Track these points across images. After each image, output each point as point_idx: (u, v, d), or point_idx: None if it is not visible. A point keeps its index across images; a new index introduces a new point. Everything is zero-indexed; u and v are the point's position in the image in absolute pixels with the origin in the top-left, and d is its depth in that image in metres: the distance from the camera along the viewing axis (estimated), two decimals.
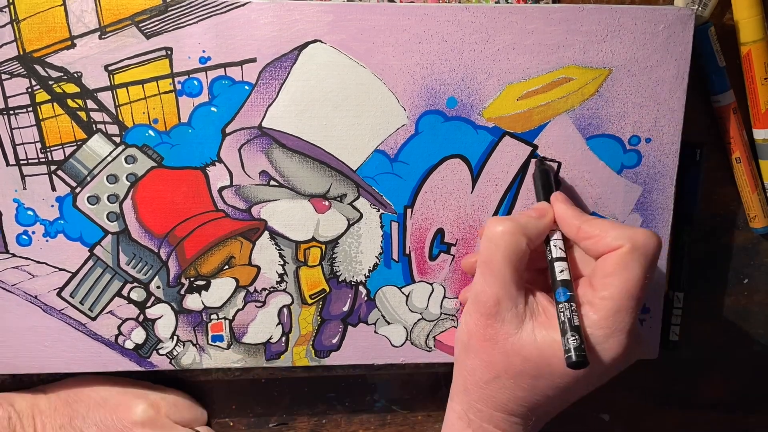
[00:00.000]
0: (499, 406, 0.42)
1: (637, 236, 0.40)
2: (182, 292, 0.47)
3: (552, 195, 0.44)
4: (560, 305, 0.39)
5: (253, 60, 0.44)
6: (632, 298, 0.39)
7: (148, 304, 0.47)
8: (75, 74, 0.43)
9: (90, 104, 0.44)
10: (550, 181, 0.45)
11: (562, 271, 0.41)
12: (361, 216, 0.47)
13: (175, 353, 0.48)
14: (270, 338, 0.49)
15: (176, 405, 0.50)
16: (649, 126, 0.46)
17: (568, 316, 0.38)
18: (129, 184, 0.45)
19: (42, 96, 0.43)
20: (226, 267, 0.47)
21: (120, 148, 0.44)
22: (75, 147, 0.44)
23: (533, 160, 0.46)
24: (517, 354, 0.40)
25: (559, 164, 0.47)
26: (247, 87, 0.44)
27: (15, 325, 0.47)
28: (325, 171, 0.46)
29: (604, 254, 0.40)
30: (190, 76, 0.44)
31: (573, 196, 0.47)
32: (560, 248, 0.42)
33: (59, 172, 0.45)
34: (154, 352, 0.48)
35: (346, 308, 0.48)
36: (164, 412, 0.49)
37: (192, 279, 0.47)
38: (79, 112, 0.44)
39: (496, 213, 0.47)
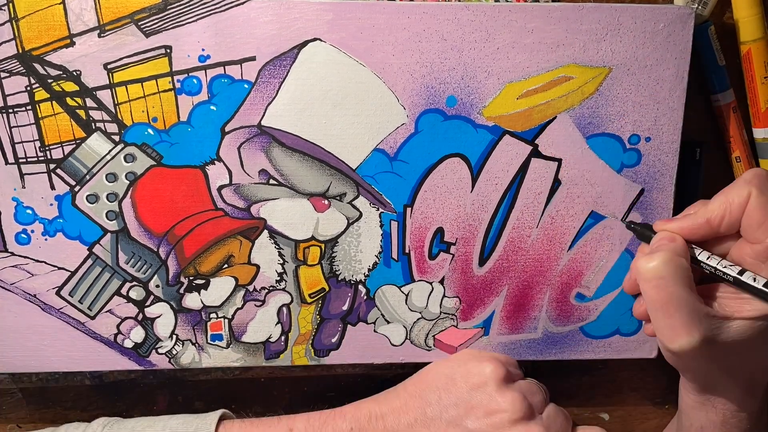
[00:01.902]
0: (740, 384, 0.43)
1: (751, 178, 0.40)
2: (181, 290, 0.47)
3: (654, 225, 0.44)
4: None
5: (253, 58, 0.44)
6: None
7: (147, 303, 0.47)
8: (74, 72, 0.43)
9: (89, 103, 0.44)
10: (644, 226, 0.45)
11: (755, 279, 0.40)
12: (361, 215, 0.47)
13: (174, 352, 0.48)
14: (269, 337, 0.48)
15: (507, 359, 0.48)
16: (649, 125, 0.46)
17: None
18: (128, 182, 0.45)
19: (41, 94, 0.43)
20: (226, 266, 0.47)
21: (119, 147, 0.44)
22: (74, 145, 0.44)
23: (625, 224, 0.47)
24: (744, 345, 0.40)
25: (560, 163, 0.47)
26: (246, 85, 0.44)
27: (14, 323, 0.47)
28: (324, 170, 0.46)
29: (741, 217, 0.40)
30: (190, 74, 0.44)
31: (573, 195, 0.47)
32: (729, 264, 0.42)
33: (58, 171, 0.45)
34: (153, 351, 0.48)
35: (345, 307, 0.48)
36: (507, 367, 0.46)
37: (191, 278, 0.47)
38: (78, 111, 0.44)
39: (495, 212, 0.47)
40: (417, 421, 0.45)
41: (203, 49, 0.43)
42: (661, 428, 0.56)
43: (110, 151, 0.44)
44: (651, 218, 0.48)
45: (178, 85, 0.44)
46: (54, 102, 0.44)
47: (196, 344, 0.48)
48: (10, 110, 0.44)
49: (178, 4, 0.43)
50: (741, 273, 0.41)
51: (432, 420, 0.45)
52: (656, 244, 0.42)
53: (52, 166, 0.44)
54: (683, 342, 0.40)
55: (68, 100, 0.44)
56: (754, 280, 0.40)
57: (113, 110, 0.44)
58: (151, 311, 0.47)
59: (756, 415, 0.44)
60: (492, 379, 0.45)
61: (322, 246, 0.47)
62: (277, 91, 0.44)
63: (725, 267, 0.42)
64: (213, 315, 0.48)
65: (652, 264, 0.40)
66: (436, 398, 0.45)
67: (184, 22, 0.43)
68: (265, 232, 0.46)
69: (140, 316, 0.47)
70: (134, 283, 0.47)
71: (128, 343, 0.48)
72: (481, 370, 0.45)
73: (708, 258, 0.42)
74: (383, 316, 0.49)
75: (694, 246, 0.43)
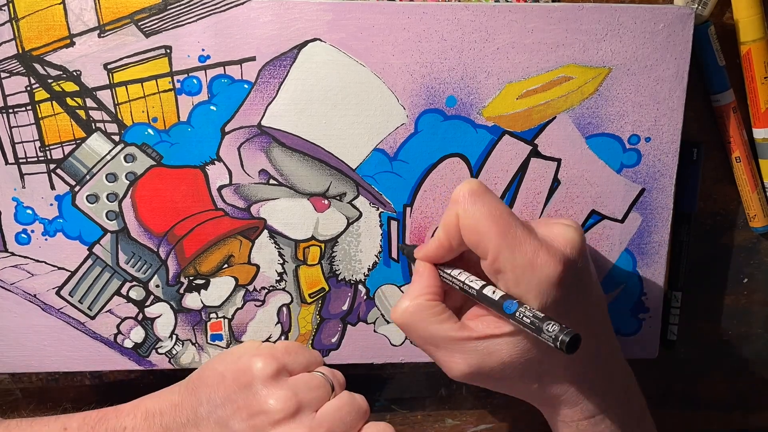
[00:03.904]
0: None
1: (456, 197, 0.40)
2: (181, 290, 0.47)
3: (414, 252, 0.44)
4: (518, 312, 0.38)
5: (253, 58, 0.44)
6: (497, 223, 0.39)
7: (147, 302, 0.47)
8: (74, 73, 0.43)
9: (89, 103, 0.44)
10: (407, 252, 0.47)
11: (494, 291, 0.40)
12: (361, 215, 0.47)
13: (174, 352, 0.48)
14: (269, 337, 0.48)
15: (289, 351, 0.45)
16: (649, 125, 0.46)
17: (531, 314, 0.38)
18: (128, 182, 0.45)
19: (41, 94, 0.43)
20: (226, 266, 0.47)
21: (119, 147, 0.44)
22: (74, 145, 0.44)
23: (399, 247, 0.47)
24: (525, 361, 0.40)
25: (559, 163, 0.47)
26: (246, 86, 0.44)
27: (14, 323, 0.47)
28: (324, 170, 0.46)
29: (461, 238, 0.41)
30: (190, 74, 0.44)
31: (573, 194, 0.47)
32: (472, 278, 0.42)
33: (58, 171, 0.45)
34: (153, 351, 0.48)
35: (345, 307, 0.48)
36: (283, 361, 0.44)
37: (191, 278, 0.47)
38: (78, 111, 0.44)
39: None
40: (189, 421, 0.43)
41: (203, 49, 0.43)
42: (661, 428, 0.56)
43: (110, 151, 0.44)
44: (651, 219, 0.48)
45: (178, 85, 0.44)
46: (54, 102, 0.44)
47: (196, 344, 0.48)
48: (10, 110, 0.44)
49: (178, 4, 0.43)
50: (483, 288, 0.41)
51: (202, 419, 0.43)
52: (411, 285, 0.43)
53: (52, 166, 0.44)
54: (455, 373, 0.41)
55: (68, 100, 0.44)
56: (493, 293, 0.40)
57: (113, 110, 0.44)
58: (151, 311, 0.47)
59: (618, 417, 0.43)
60: (259, 377, 0.42)
61: (322, 246, 0.47)
62: (277, 91, 0.44)
63: (471, 282, 0.41)
64: (213, 315, 0.48)
65: (395, 316, 0.42)
66: (206, 397, 0.43)
67: (184, 22, 0.43)
68: (265, 232, 0.46)
69: (140, 316, 0.47)
70: (134, 283, 0.47)
71: (128, 343, 0.48)
72: (250, 365, 0.43)
73: (458, 274, 0.42)
74: (383, 316, 0.49)
75: (443, 266, 0.43)
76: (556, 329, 0.36)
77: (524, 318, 0.38)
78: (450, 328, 0.41)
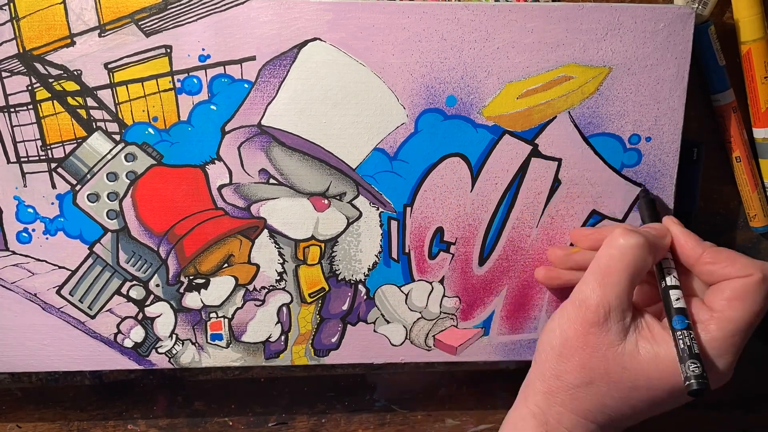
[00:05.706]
0: (582, 411, 0.42)
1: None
2: (181, 290, 0.47)
3: (666, 218, 0.45)
4: (678, 332, 0.40)
5: (253, 58, 0.44)
6: (750, 326, 0.40)
7: (148, 302, 0.47)
8: (75, 72, 0.43)
9: (90, 102, 0.44)
10: (656, 209, 0.46)
11: (678, 299, 0.41)
12: (361, 214, 0.47)
13: (174, 352, 0.48)
14: (269, 337, 0.48)
15: None
16: (650, 125, 0.46)
17: (688, 344, 0.39)
18: (129, 181, 0.45)
19: (42, 94, 0.43)
20: (226, 265, 0.47)
21: (120, 146, 0.45)
22: (75, 145, 0.44)
23: (640, 190, 0.47)
24: (618, 364, 0.40)
25: (560, 162, 0.47)
26: (246, 85, 0.44)
27: (14, 323, 0.47)
28: (324, 169, 0.46)
29: (726, 280, 0.41)
30: (190, 74, 0.44)
31: (573, 194, 0.47)
32: (674, 276, 0.42)
33: (59, 170, 0.45)
34: (153, 350, 0.48)
35: (345, 307, 0.48)
36: None
37: (191, 277, 0.47)
38: (79, 110, 0.44)
39: (495, 212, 0.47)
40: None
41: (203, 49, 0.43)
42: (662, 428, 0.56)
43: (111, 150, 0.45)
44: None
45: (178, 85, 0.44)
46: (55, 101, 0.44)
47: (196, 344, 0.48)
48: (12, 109, 0.44)
49: (179, 3, 0.43)
50: (673, 288, 0.42)
51: None
52: (646, 229, 0.43)
53: (53, 165, 0.45)
54: (598, 297, 0.41)
55: (69, 99, 0.44)
56: (678, 299, 0.41)
57: (114, 110, 0.44)
58: (151, 311, 0.47)
59: None
60: None
61: (322, 245, 0.47)
62: (277, 91, 0.44)
63: (673, 290, 0.42)
64: (213, 314, 0.48)
65: (631, 240, 0.41)
66: None
67: (184, 22, 0.43)
68: (265, 231, 0.46)
69: (140, 316, 0.47)
70: (134, 282, 0.47)
71: (128, 343, 0.48)
72: None
73: (669, 273, 0.43)
74: (383, 315, 0.49)
75: (668, 257, 0.44)
76: (698, 371, 0.38)
77: (681, 339, 0.39)
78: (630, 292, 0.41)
